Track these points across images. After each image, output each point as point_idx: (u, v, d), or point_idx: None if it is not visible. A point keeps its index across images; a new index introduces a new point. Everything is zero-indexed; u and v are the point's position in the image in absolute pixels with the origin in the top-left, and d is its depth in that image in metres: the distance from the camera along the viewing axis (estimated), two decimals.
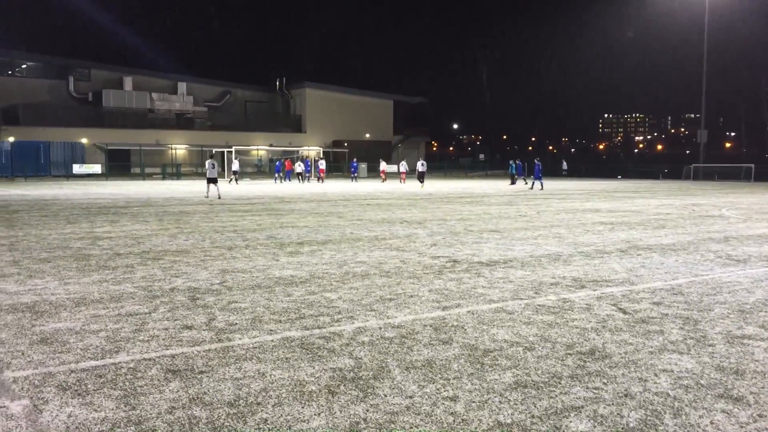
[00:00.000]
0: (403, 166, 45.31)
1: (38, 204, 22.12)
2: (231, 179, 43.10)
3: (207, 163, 27.74)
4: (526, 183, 42.10)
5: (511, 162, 44.37)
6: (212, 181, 26.48)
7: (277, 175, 47.22)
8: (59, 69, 68.47)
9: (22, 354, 5.13)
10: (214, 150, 42.58)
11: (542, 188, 34.88)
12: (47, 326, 5.95)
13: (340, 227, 14.56)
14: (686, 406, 4.15)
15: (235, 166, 43.71)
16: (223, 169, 57.31)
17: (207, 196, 26.48)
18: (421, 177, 39.13)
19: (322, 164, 47.17)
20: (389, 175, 49.35)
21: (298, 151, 66.94)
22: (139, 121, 68.61)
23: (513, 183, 41.99)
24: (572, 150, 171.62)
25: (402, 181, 44.12)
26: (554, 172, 63.92)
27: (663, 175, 59.50)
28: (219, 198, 25.84)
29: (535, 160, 37.13)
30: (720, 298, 7.27)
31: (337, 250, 10.84)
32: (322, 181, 45.41)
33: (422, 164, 40.48)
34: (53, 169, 55.14)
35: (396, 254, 10.44)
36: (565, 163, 64.22)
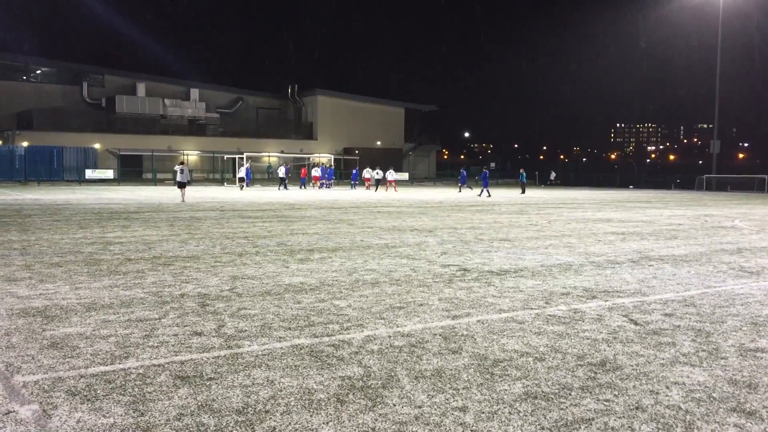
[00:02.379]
0: (391, 175, 46.21)
1: (51, 208, 22.26)
2: (242, 186, 43.35)
3: (176, 168, 28.67)
4: (461, 191, 42.80)
5: (522, 171, 44.39)
6: (181, 185, 28.01)
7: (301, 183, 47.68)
8: (73, 75, 69.07)
9: (32, 358, 5.15)
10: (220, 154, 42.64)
11: (486, 195, 36.24)
12: (58, 331, 5.97)
13: (350, 234, 14.56)
14: (698, 419, 4.10)
15: (242, 172, 43.95)
16: (234, 175, 57.59)
17: (183, 201, 27.27)
18: (377, 184, 44.38)
19: (316, 171, 47.71)
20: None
21: (309, 158, 67.12)
22: (152, 126, 69.04)
23: (523, 192, 41.89)
24: (584, 159, 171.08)
25: (390, 189, 44.56)
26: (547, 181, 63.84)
27: (675, 185, 59.21)
28: (183, 202, 26.72)
29: (483, 168, 38.76)
30: (733, 311, 7.20)
31: (347, 258, 10.84)
32: (317, 188, 45.58)
33: (381, 173, 45.67)
34: (66, 174, 55.50)
35: (406, 262, 10.42)
36: (553, 173, 64.76)
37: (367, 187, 47.08)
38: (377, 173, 45.45)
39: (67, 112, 66.27)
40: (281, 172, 45.23)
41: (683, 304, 7.48)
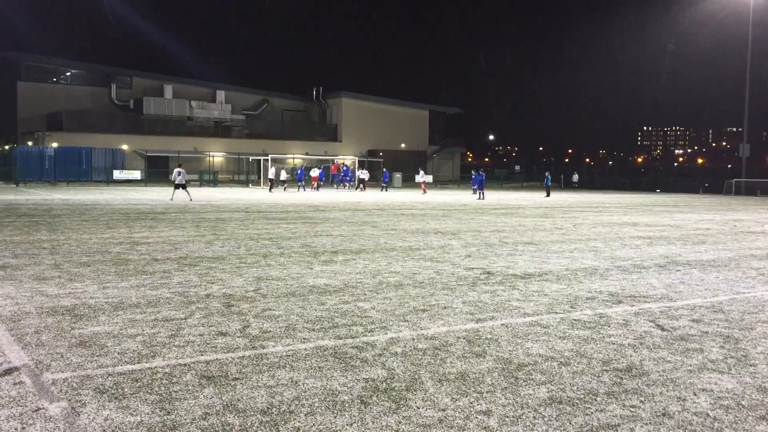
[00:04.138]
0: (422, 176, 46.41)
1: (79, 208, 22.58)
2: (284, 187, 43.99)
3: (175, 170, 30.41)
4: (475, 194, 42.17)
5: (547, 174, 44.11)
6: (180, 186, 29.56)
7: (342, 183, 48.06)
8: (102, 76, 70.01)
9: (62, 356, 5.23)
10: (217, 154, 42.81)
11: (483, 198, 36.08)
12: (86, 329, 6.06)
13: (374, 237, 14.57)
14: (726, 427, 4.05)
15: (272, 174, 44.26)
16: (259, 177, 57.98)
17: (171, 199, 29.14)
18: (362, 183, 45.93)
19: (315, 172, 47.97)
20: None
21: (333, 160, 67.33)
22: (179, 128, 69.71)
23: (548, 195, 41.59)
24: (610, 162, 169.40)
25: (423, 191, 44.41)
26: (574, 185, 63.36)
27: (703, 189, 58.39)
28: (191, 200, 28.53)
29: (480, 171, 39.21)
30: (762, 317, 7.09)
31: (371, 260, 10.85)
32: (317, 190, 45.68)
33: (367, 173, 48.05)
34: (94, 175, 56.28)
35: (430, 265, 10.41)
36: (576, 176, 64.49)
37: (358, 189, 46.64)
38: (362, 173, 47.43)
39: (96, 113, 67.17)
40: (271, 173, 44.88)
41: (711, 310, 7.38)
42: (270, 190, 42.45)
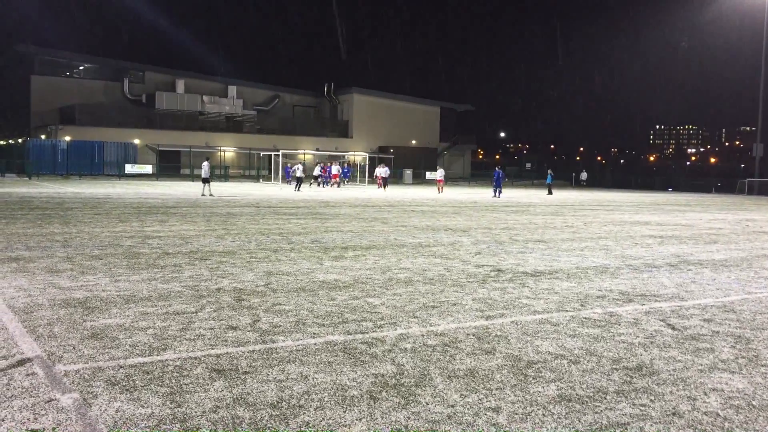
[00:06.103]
0: (440, 174, 45.29)
1: (91, 202, 22.71)
2: (319, 183, 44.34)
3: (204, 165, 30.30)
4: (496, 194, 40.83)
5: (550, 172, 43.60)
6: (205, 180, 29.77)
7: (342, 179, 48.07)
8: (115, 71, 70.34)
9: (74, 348, 5.27)
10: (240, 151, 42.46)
11: (498, 196, 35.63)
12: (98, 322, 6.10)
13: (384, 233, 14.58)
14: (737, 427, 4.03)
15: (299, 172, 42.68)
16: (270, 172, 58.06)
17: (211, 194, 28.78)
18: (384, 183, 43.66)
19: (335, 169, 47.23)
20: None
21: (344, 156, 67.41)
22: (190, 123, 69.95)
23: (550, 193, 41.21)
24: (622, 161, 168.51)
25: (439, 190, 42.82)
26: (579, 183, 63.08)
27: (716, 188, 58.02)
28: (206, 196, 28.16)
29: (496, 168, 39.20)
30: None
31: (380, 256, 10.86)
32: (338, 186, 45.24)
33: (386, 171, 45.19)
34: (106, 169, 56.53)
35: (440, 261, 10.40)
36: (584, 173, 63.98)
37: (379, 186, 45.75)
38: (382, 170, 45.72)
39: (109, 107, 67.50)
40: (299, 171, 41.87)
41: (723, 310, 7.34)
42: (297, 188, 40.46)
